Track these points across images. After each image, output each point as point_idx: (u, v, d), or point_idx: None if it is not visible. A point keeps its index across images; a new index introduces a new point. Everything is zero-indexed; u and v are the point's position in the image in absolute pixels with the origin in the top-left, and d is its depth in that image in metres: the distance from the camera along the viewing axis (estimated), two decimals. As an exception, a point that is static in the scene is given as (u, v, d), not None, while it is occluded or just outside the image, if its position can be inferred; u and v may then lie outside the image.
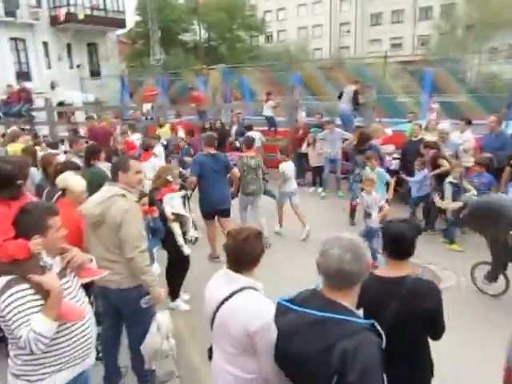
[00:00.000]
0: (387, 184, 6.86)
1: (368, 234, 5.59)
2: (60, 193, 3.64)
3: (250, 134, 8.93)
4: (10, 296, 1.96)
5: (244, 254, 2.10)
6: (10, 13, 23.12)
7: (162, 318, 3.11)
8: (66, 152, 6.94)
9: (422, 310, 2.17)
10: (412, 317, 2.17)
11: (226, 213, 5.90)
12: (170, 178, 4.58)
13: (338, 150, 9.17)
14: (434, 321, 2.24)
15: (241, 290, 2.06)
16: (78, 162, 5.02)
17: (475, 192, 6.02)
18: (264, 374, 2.02)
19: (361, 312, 2.14)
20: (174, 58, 28.36)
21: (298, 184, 9.38)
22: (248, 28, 37.62)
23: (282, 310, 1.86)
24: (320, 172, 9.66)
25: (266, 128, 11.58)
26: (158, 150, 8.66)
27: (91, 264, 2.49)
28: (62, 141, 10.97)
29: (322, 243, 1.79)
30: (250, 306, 2.01)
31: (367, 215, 5.78)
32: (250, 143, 6.74)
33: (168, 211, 4.42)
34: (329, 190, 9.41)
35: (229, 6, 34.70)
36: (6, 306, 1.96)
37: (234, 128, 11.43)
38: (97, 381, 3.07)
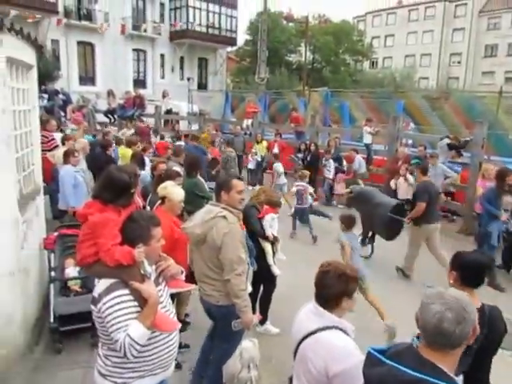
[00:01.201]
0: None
1: None
2: (160, 201, 3.77)
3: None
4: (112, 299, 2.01)
5: (324, 289, 2.07)
6: (136, 27, 25.63)
7: (246, 345, 3.04)
8: (168, 158, 7.17)
9: (501, 333, 2.38)
10: (496, 340, 2.36)
11: None
12: (280, 200, 4.69)
13: (439, 186, 8.36)
14: None
15: (328, 328, 2.00)
16: (180, 170, 5.10)
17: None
18: None
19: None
20: (278, 77, 28.95)
21: None
22: (354, 53, 37.31)
23: (372, 361, 1.73)
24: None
25: (366, 155, 11.08)
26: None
27: (181, 276, 2.52)
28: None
29: (423, 296, 1.62)
30: (335, 347, 1.94)
31: None
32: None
33: (269, 231, 4.40)
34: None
35: (337, 30, 34.78)
36: (107, 308, 2.00)
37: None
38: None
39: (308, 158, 10.75)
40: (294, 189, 7.77)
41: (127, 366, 2.11)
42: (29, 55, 4.33)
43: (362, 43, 38.65)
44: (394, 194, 9.05)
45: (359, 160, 10.28)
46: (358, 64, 40.82)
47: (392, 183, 8.94)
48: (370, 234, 7.05)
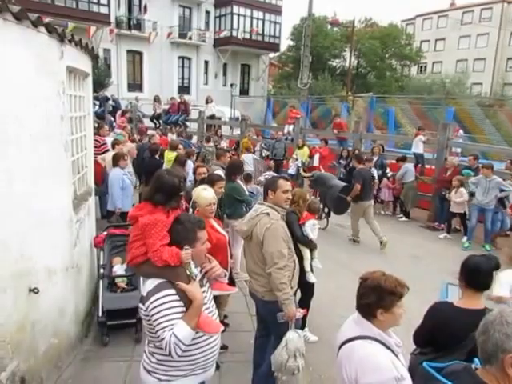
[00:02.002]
0: None
1: None
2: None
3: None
4: (159, 298, 2.07)
5: (360, 298, 2.06)
6: (182, 35, 26.43)
7: (290, 336, 3.18)
8: (208, 162, 7.37)
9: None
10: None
11: None
12: (316, 205, 4.76)
13: (493, 199, 7.97)
14: None
15: (365, 337, 1.98)
16: (222, 174, 5.22)
17: None
18: None
19: None
20: (321, 82, 28.77)
21: (433, 228, 9.17)
22: (401, 57, 36.30)
23: (424, 376, 1.71)
24: (462, 219, 8.62)
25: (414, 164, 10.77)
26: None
27: (224, 279, 2.57)
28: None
29: (485, 320, 1.55)
30: (366, 358, 1.92)
31: None
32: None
33: (311, 236, 4.42)
34: (474, 240, 8.26)
35: (384, 34, 34.01)
36: (155, 307, 2.06)
37: (374, 159, 10.88)
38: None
39: (350, 165, 10.64)
40: None
41: (171, 365, 2.17)
42: (85, 64, 4.57)
43: (410, 47, 37.49)
44: (447, 204, 8.80)
45: (407, 168, 9.91)
46: (404, 69, 39.70)
47: (452, 195, 8.46)
48: (326, 210, 8.74)
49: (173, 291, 2.10)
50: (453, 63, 42.87)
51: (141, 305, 2.16)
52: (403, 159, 10.09)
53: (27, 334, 3.15)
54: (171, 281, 2.13)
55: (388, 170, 10.53)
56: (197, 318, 2.11)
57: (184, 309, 2.11)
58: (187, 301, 2.11)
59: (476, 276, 2.49)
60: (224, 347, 4.06)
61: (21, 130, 2.92)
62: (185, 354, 2.13)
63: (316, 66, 30.13)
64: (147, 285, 2.16)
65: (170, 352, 2.04)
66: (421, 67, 43.87)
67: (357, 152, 10.03)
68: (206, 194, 3.67)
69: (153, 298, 2.07)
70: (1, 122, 2.70)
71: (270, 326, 3.41)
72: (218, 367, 3.72)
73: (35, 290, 3.15)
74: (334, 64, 36.15)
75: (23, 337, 3.10)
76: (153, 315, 2.06)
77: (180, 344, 2.03)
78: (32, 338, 3.23)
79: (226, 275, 2.58)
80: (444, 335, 2.34)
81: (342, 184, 8.14)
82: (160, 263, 2.14)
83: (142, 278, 4.60)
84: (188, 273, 2.20)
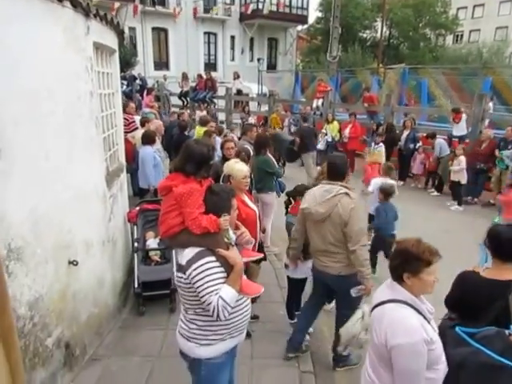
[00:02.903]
0: None
1: None
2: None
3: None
4: (202, 265, 2.12)
5: (389, 260, 2.15)
6: (207, 10, 26.03)
7: (366, 309, 3.37)
8: (239, 138, 7.35)
9: None
10: None
11: None
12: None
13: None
14: None
15: (396, 301, 2.03)
16: (250, 149, 5.22)
17: None
18: None
19: None
20: (351, 55, 27.89)
21: (466, 202, 8.94)
22: (436, 26, 34.43)
23: (456, 340, 1.80)
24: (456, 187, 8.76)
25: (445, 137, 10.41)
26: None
27: (250, 246, 2.64)
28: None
29: None
30: (396, 320, 1.98)
31: None
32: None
33: None
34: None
35: (418, 1, 32.28)
36: (198, 274, 2.11)
37: (406, 133, 10.58)
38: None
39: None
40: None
41: (211, 329, 2.25)
42: (112, 40, 4.57)
43: (445, 15, 35.45)
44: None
45: (440, 143, 9.65)
46: (439, 39, 37.80)
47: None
48: (282, 161, 10.33)
49: (213, 258, 2.15)
50: (491, 31, 40.49)
51: (179, 274, 2.22)
52: (433, 136, 9.91)
53: (69, 302, 3.32)
54: (210, 248, 2.17)
55: (420, 144, 10.24)
56: (239, 281, 2.20)
57: (225, 274, 2.17)
58: (228, 266, 2.17)
59: (498, 245, 2.50)
60: (255, 317, 4.18)
61: (54, 105, 2.99)
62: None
63: (346, 38, 29.06)
64: (186, 254, 2.19)
65: (217, 315, 2.11)
66: (457, 36, 41.58)
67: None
68: (241, 167, 3.68)
69: (194, 266, 2.12)
70: (34, 97, 2.77)
71: (341, 299, 3.56)
72: (249, 335, 3.87)
73: (74, 263, 3.29)
74: (365, 35, 34.76)
75: (65, 305, 3.26)
76: (196, 282, 2.11)
77: (227, 306, 2.11)
78: (73, 306, 3.40)
79: (252, 242, 2.64)
80: (467, 303, 2.40)
81: (290, 138, 9.96)
82: (199, 231, 2.17)
83: (174, 251, 4.75)
84: (226, 239, 2.25)
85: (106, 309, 4.11)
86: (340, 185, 3.32)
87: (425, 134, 10.48)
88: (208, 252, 2.16)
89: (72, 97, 3.30)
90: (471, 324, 2.00)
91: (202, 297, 2.13)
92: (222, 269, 2.17)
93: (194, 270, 2.12)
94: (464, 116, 9.88)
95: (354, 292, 3.33)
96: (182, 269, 2.20)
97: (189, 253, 2.18)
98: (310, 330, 4.14)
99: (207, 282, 2.11)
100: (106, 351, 3.81)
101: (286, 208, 4.30)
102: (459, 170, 8.53)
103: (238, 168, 3.67)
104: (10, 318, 2.35)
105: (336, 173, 3.41)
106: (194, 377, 2.45)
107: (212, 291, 2.10)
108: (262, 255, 2.96)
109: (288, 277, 4.17)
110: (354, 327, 3.09)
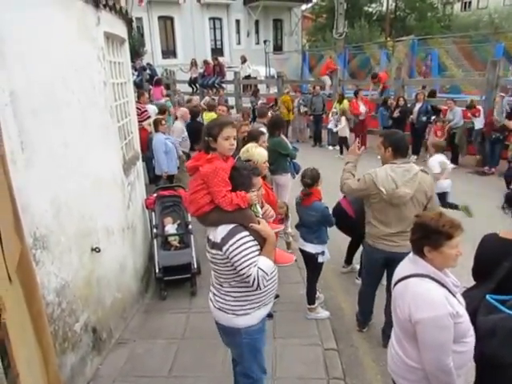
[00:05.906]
0: None
1: None
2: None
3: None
4: (238, 240, 2.21)
5: (410, 234, 2.13)
6: (211, -6, 25.66)
7: None
8: (252, 121, 7.32)
9: None
10: None
11: None
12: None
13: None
14: None
15: (419, 275, 2.02)
16: (265, 131, 5.20)
17: None
18: (425, 369, 1.98)
19: None
20: (357, 30, 27.32)
21: (483, 173, 8.85)
22: (443, -6, 33.48)
23: (487, 308, 1.80)
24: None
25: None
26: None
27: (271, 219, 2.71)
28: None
29: None
30: (420, 294, 1.97)
31: None
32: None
33: None
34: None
35: (423, -30, 31.33)
36: (235, 249, 2.20)
37: (418, 106, 10.40)
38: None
39: (395, 114, 10.29)
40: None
41: (247, 299, 2.35)
42: (121, 29, 4.59)
43: (452, -18, 34.51)
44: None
45: (455, 111, 9.45)
46: (447, 8, 36.70)
47: None
48: None
49: (247, 233, 2.24)
50: (502, -5, 39.12)
51: (213, 251, 2.29)
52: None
53: (94, 288, 3.41)
54: (242, 224, 2.24)
55: (439, 116, 10.01)
56: (274, 252, 2.32)
57: (259, 247, 2.27)
58: (260, 239, 2.27)
59: None
60: (276, 296, 4.20)
61: (69, 95, 3.03)
62: None
63: (351, 14, 28.40)
64: (219, 231, 2.25)
65: (258, 285, 2.22)
66: (465, 3, 40.31)
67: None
68: (262, 151, 3.62)
69: (231, 242, 2.20)
70: (51, 88, 2.80)
71: None
72: (271, 316, 3.88)
73: (97, 250, 3.37)
74: (371, 10, 33.99)
75: (90, 291, 3.35)
76: (234, 256, 2.20)
77: (266, 276, 2.24)
78: (98, 292, 3.50)
79: (273, 216, 2.69)
80: (481, 264, 2.41)
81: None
82: (231, 208, 2.22)
83: (192, 237, 4.81)
84: (255, 214, 2.34)
85: (129, 294, 4.21)
86: (413, 162, 3.43)
87: (442, 106, 10.20)
88: (241, 228, 2.24)
89: (87, 86, 3.34)
90: (481, 285, 2.01)
91: (241, 269, 2.22)
92: (255, 242, 2.26)
93: (231, 245, 2.20)
94: (481, 109, 9.45)
95: None
96: (216, 246, 2.26)
97: (222, 230, 2.24)
98: (319, 295, 4.26)
99: (245, 255, 2.20)
100: (131, 335, 3.92)
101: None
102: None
103: (259, 152, 3.60)
104: (40, 304, 2.44)
105: (406, 150, 3.44)
106: (235, 350, 2.59)
107: (251, 263, 2.20)
108: (282, 227, 3.10)
109: (316, 258, 3.96)
110: None
